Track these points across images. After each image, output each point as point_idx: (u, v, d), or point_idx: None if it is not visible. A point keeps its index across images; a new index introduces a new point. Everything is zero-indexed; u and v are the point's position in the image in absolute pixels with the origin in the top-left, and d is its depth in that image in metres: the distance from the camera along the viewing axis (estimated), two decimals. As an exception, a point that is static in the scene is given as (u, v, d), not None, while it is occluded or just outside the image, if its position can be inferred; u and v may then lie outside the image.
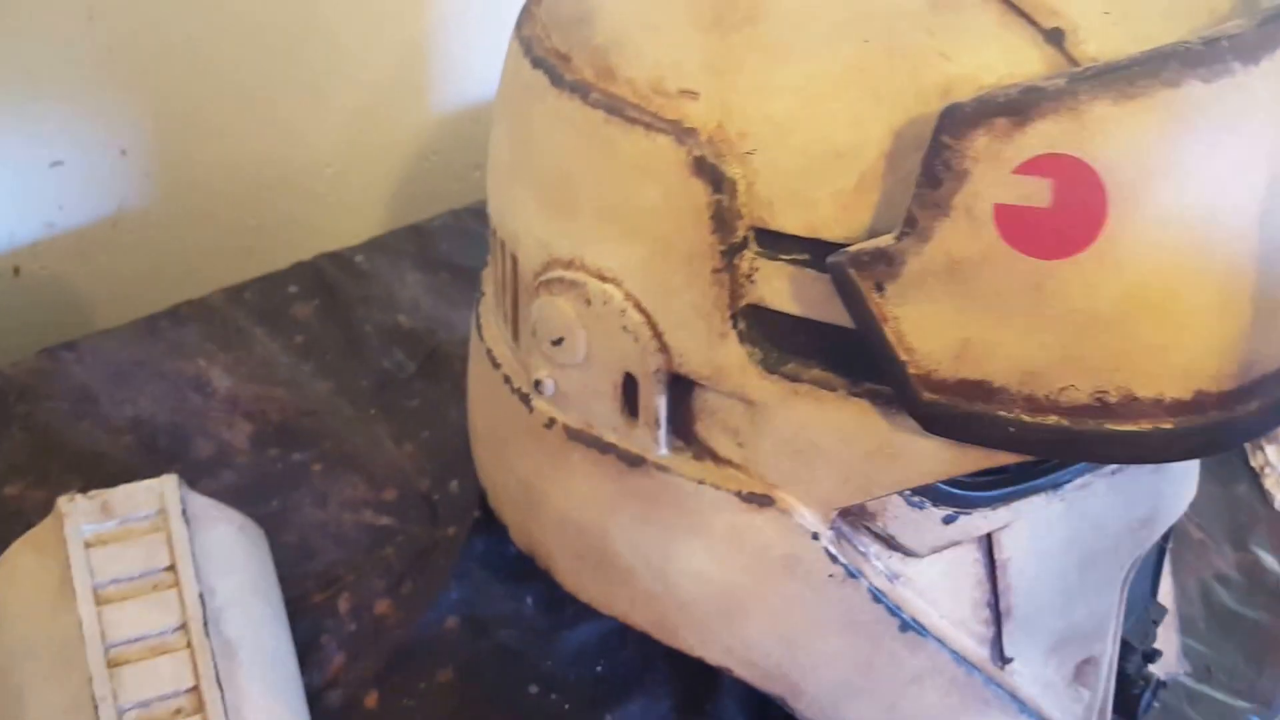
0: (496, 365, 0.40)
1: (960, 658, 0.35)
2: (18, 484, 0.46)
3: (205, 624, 0.37)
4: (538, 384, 0.36)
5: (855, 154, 0.28)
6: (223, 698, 0.36)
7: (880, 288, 0.28)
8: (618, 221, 0.32)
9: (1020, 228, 0.26)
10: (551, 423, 0.37)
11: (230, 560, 0.40)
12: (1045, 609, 0.36)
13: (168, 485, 0.40)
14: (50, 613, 0.37)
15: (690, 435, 0.35)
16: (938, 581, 0.35)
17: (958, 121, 0.26)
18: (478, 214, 0.61)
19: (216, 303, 0.54)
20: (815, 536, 0.34)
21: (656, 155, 0.31)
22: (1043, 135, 0.25)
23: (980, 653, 0.36)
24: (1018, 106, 0.25)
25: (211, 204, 0.61)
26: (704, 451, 0.35)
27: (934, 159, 0.26)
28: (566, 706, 0.42)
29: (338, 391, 0.51)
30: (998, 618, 0.35)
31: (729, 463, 0.34)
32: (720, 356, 0.32)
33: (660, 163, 0.31)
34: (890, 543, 0.34)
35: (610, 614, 0.40)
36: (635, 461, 0.36)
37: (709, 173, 0.30)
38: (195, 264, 0.60)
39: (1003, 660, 0.36)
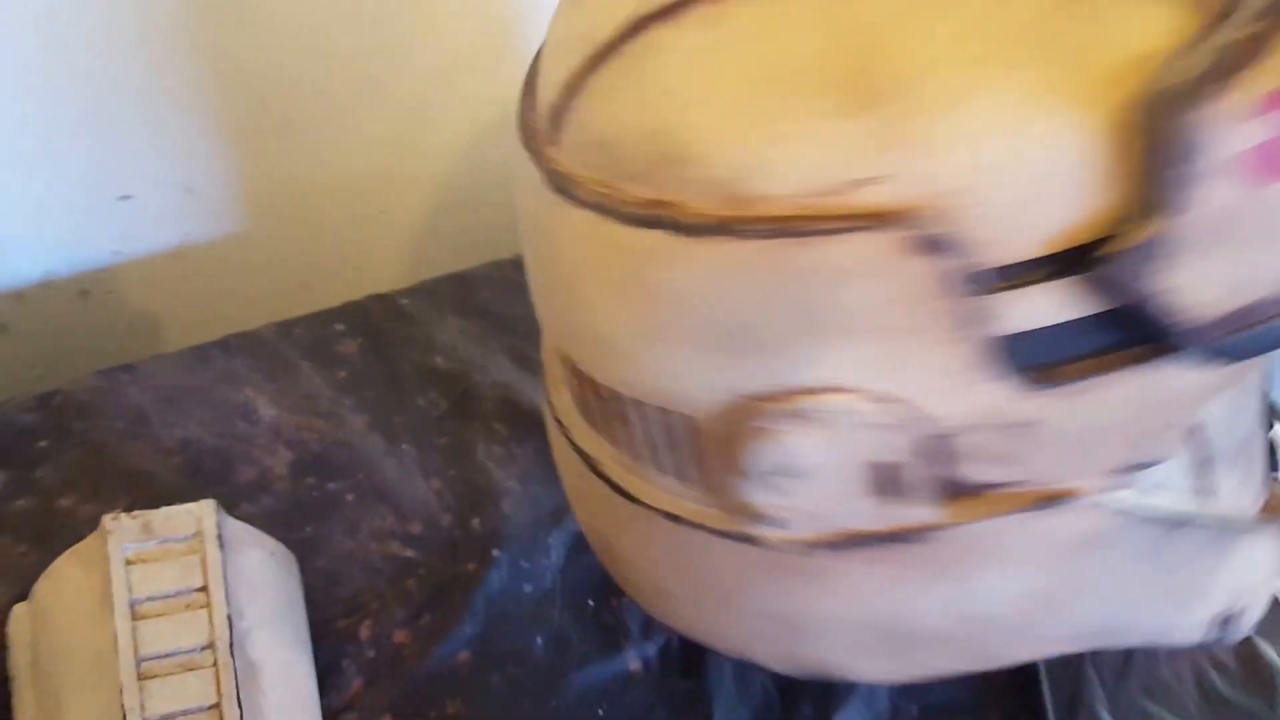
0: (678, 519, 0.37)
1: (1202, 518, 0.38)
2: (71, 497, 0.49)
3: (231, 645, 0.39)
4: (766, 519, 0.35)
5: (1068, 169, 0.28)
6: (241, 716, 0.38)
7: (1145, 272, 0.29)
8: (830, 334, 0.30)
9: (1269, 161, 0.28)
10: (806, 548, 0.35)
11: (260, 584, 0.43)
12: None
13: (206, 510, 0.42)
14: (90, 623, 0.40)
15: (957, 485, 0.34)
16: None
17: (1175, 99, 0.27)
18: (517, 265, 0.64)
19: (267, 336, 0.57)
20: (1106, 505, 0.35)
21: (857, 255, 0.29)
22: (1260, 79, 0.27)
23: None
24: (1226, 66, 0.27)
25: (270, 243, 0.65)
26: (975, 489, 0.34)
27: (1166, 141, 0.27)
28: (566, 744, 0.44)
29: (373, 426, 0.54)
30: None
31: (1003, 485, 0.34)
32: (981, 401, 0.31)
33: (865, 260, 0.29)
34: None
35: (914, 679, 0.42)
36: (911, 537, 0.35)
37: (927, 245, 0.28)
38: (250, 298, 0.64)
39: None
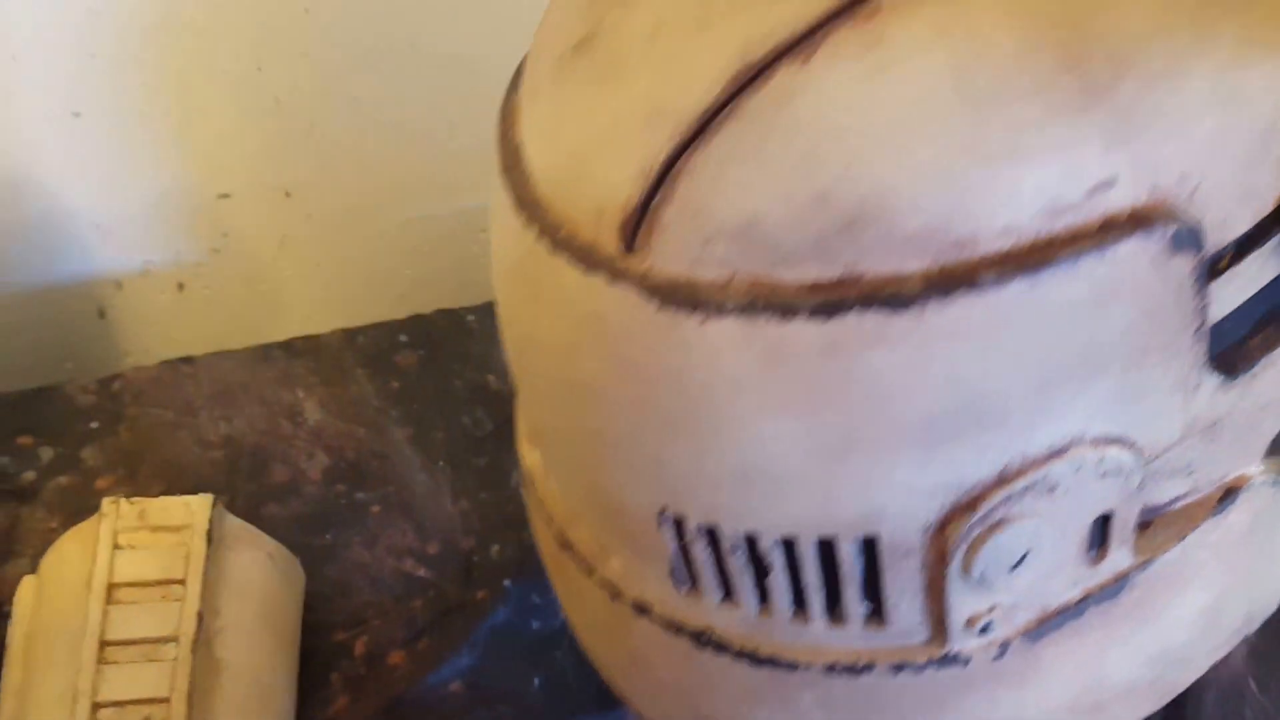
0: (834, 669, 0.32)
1: None
2: (109, 478, 0.50)
3: (195, 640, 0.39)
4: (965, 631, 0.30)
5: (1271, 120, 0.25)
6: (188, 714, 0.37)
7: None
8: (1072, 381, 0.26)
9: None
10: (999, 649, 0.31)
11: (246, 586, 0.42)
12: None
13: (201, 504, 0.42)
14: (74, 602, 0.40)
15: (1148, 513, 0.30)
16: None
17: None
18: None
19: (331, 341, 0.57)
20: (1267, 483, 0.32)
21: (1114, 274, 0.24)
22: None
23: None
24: None
25: (363, 251, 0.65)
26: (1160, 512, 0.30)
27: None
28: (538, 793, 0.42)
29: (414, 439, 0.53)
30: None
31: (1184, 497, 0.31)
32: (1190, 411, 0.28)
33: (1123, 277, 0.24)
34: None
35: None
36: (1106, 593, 0.31)
37: (1184, 240, 0.24)
38: (336, 300, 0.64)
39: None
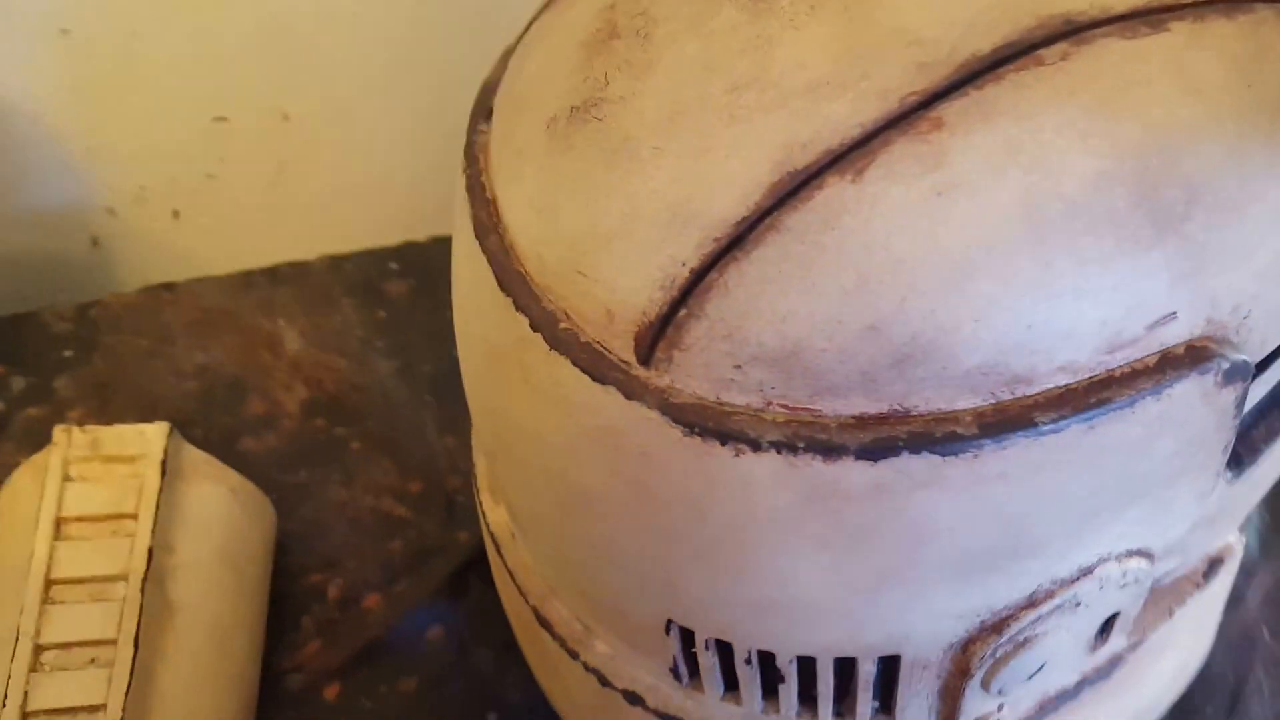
0: None
1: None
2: (80, 410, 0.48)
3: (144, 579, 0.37)
4: None
5: None
6: (134, 657, 0.35)
7: None
8: (1112, 509, 0.25)
9: None
10: None
11: (205, 521, 0.40)
12: None
13: (157, 432, 0.40)
14: (23, 538, 0.38)
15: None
16: None
17: None
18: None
19: (317, 267, 0.55)
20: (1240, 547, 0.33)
21: (1168, 410, 0.23)
22: None
23: None
24: None
25: (363, 176, 0.62)
26: (1153, 589, 0.30)
27: None
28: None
29: (398, 372, 0.51)
30: None
31: (1173, 571, 0.31)
32: (1205, 510, 0.27)
33: (1177, 412, 0.23)
34: None
35: None
36: (1103, 672, 0.31)
37: (1236, 373, 0.23)
38: (334, 227, 0.62)
39: None
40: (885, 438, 0.22)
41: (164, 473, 0.39)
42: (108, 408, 0.48)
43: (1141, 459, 0.23)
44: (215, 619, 0.39)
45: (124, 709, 0.34)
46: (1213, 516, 0.28)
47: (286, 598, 0.43)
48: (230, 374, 0.50)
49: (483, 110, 0.30)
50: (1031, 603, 0.25)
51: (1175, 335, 0.22)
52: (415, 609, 0.43)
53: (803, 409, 0.22)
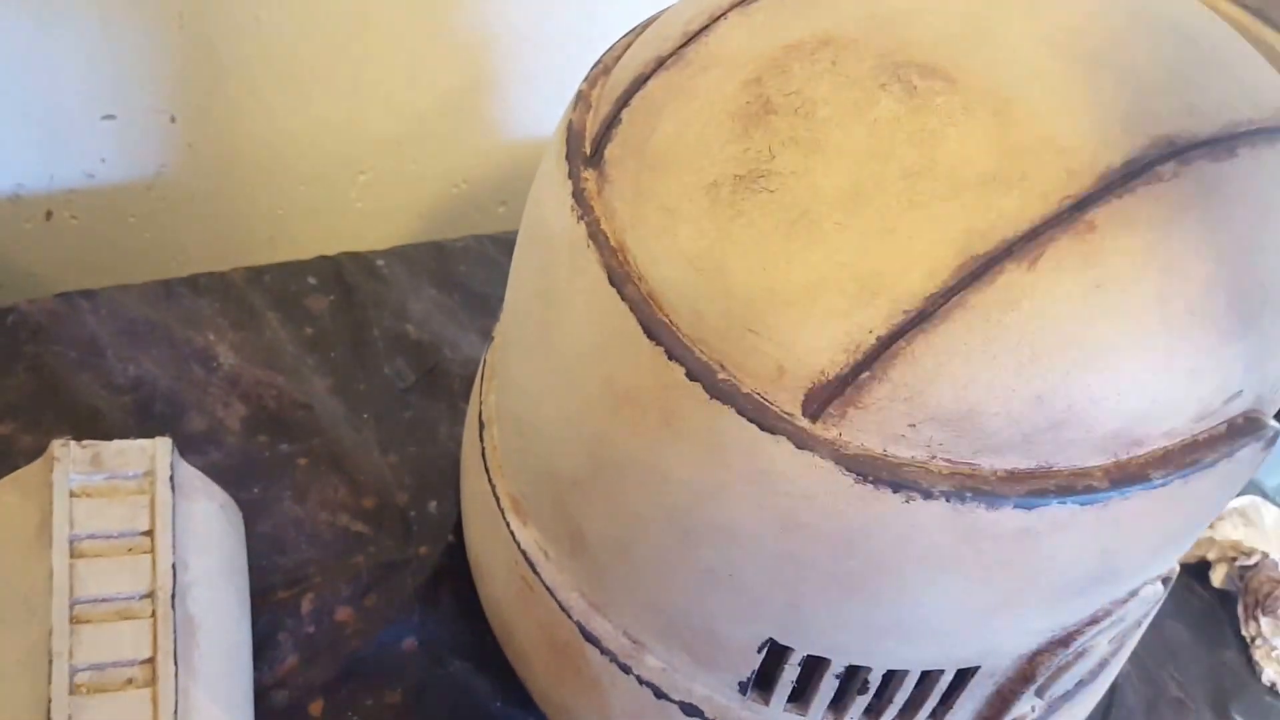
0: None
1: None
2: (9, 424, 0.46)
3: (173, 596, 0.37)
4: None
5: None
6: (176, 674, 0.35)
7: None
8: (1170, 544, 0.31)
9: None
10: None
11: (207, 537, 0.40)
12: None
13: (161, 448, 0.39)
14: (24, 557, 0.37)
15: None
16: None
17: None
18: (500, 243, 0.61)
19: (236, 280, 0.54)
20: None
21: (1233, 468, 0.29)
22: None
23: None
24: None
25: (246, 185, 0.61)
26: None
27: None
28: (507, 748, 0.42)
29: (336, 390, 0.51)
30: None
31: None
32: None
33: (1238, 470, 0.29)
34: None
35: None
36: (1090, 677, 0.36)
37: (1274, 437, 0.29)
38: (218, 239, 0.60)
39: None
40: (1037, 490, 0.27)
41: (174, 489, 0.39)
42: (43, 421, 0.46)
43: (1210, 505, 0.30)
44: (226, 634, 0.39)
45: (178, 727, 0.34)
46: None
47: (260, 613, 0.43)
48: (165, 388, 0.49)
49: (578, 155, 0.32)
50: (1093, 620, 0.31)
51: (1238, 408, 0.29)
52: (388, 622, 0.45)
53: (964, 463, 0.27)
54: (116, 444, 0.39)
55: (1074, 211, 0.27)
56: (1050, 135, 0.27)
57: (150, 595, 0.37)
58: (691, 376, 0.28)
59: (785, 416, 0.27)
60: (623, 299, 0.29)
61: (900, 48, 0.29)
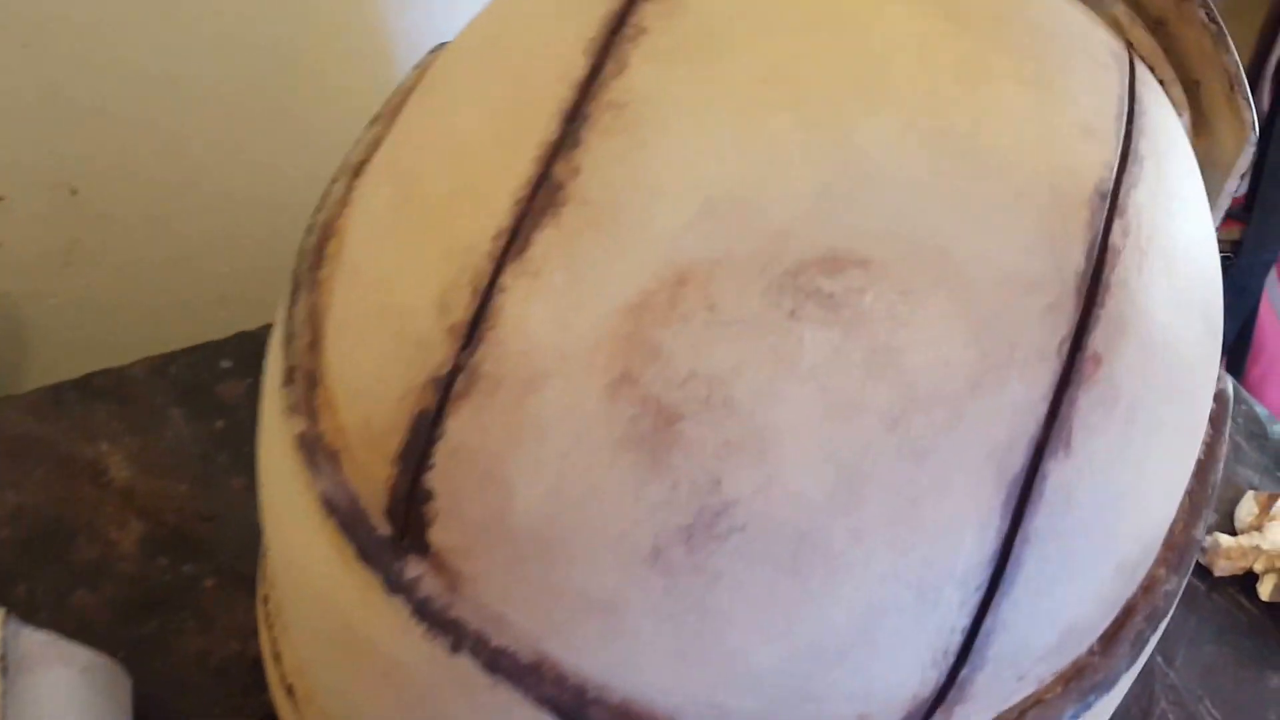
0: None
1: None
2: None
3: (-5, 809, 0.31)
4: None
5: None
6: None
7: None
8: None
9: None
10: None
11: (58, 711, 0.35)
12: None
13: (-10, 626, 0.34)
14: None
15: None
16: None
17: None
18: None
19: (137, 375, 0.49)
20: None
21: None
22: None
23: None
24: None
25: (168, 256, 0.56)
26: None
27: None
28: None
29: (250, 489, 0.46)
30: None
31: None
32: None
33: None
34: None
35: None
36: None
37: None
38: (135, 323, 0.55)
39: None
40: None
41: (6, 671, 0.33)
42: (-96, 570, 0.41)
43: None
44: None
45: None
46: None
47: (153, 777, 0.38)
48: (50, 514, 0.43)
49: (370, 536, 0.24)
50: None
51: None
52: (304, 770, 0.39)
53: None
54: (-64, 620, 0.34)
55: (1075, 353, 0.24)
56: (1011, 275, 0.22)
57: (-32, 809, 0.31)
58: None
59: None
60: None
61: (774, 243, 0.20)
